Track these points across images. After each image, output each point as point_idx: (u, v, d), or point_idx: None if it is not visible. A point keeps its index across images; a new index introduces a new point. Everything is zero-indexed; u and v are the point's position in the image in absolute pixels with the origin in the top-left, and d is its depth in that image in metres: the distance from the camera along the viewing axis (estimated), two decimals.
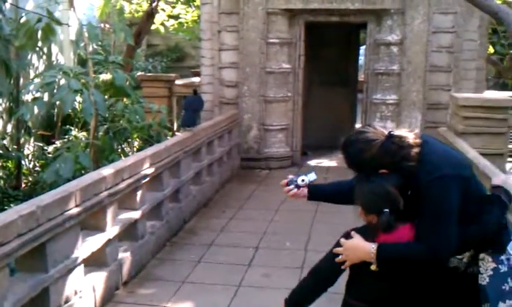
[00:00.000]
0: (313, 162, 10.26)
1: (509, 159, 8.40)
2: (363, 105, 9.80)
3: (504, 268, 2.49)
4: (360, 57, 12.96)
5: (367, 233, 2.48)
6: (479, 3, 6.85)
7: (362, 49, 12.23)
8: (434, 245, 2.33)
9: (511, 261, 2.50)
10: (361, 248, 2.43)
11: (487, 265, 2.48)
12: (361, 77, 12.54)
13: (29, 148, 10.24)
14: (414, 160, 2.39)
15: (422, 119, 9.05)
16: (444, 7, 8.87)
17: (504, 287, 2.48)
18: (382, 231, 2.41)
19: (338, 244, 2.54)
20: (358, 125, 11.59)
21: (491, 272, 2.46)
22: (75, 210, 3.88)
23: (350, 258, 2.46)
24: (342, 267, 2.49)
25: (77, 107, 10.25)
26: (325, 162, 10.35)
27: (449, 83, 9.01)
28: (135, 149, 8.70)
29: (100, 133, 8.42)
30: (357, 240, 2.46)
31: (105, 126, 8.59)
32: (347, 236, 2.55)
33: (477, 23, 8.90)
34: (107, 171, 4.59)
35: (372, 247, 2.39)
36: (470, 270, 2.52)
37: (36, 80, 8.68)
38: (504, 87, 14.06)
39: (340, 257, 2.47)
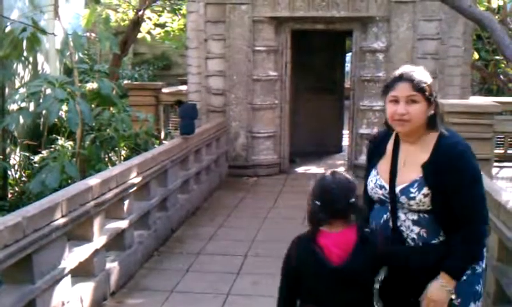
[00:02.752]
0: (301, 169, 10.27)
1: (495, 164, 8.48)
2: (350, 112, 9.84)
3: (479, 269, 2.51)
4: (346, 64, 13.03)
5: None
6: (463, 10, 6.91)
7: (348, 56, 12.30)
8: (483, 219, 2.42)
9: (483, 264, 2.54)
10: (439, 293, 2.38)
11: None
12: (347, 83, 12.60)
13: (15, 158, 10.16)
14: None
15: None
16: (429, 14, 8.94)
17: (477, 288, 2.51)
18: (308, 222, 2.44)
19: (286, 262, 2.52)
20: (345, 132, 11.65)
21: (468, 271, 2.45)
22: (61, 221, 3.85)
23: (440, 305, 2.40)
24: None
25: (63, 116, 10.19)
26: (313, 169, 10.38)
27: (435, 89, 9.05)
28: (122, 158, 8.65)
29: (87, 142, 8.37)
30: (430, 292, 2.40)
31: (92, 135, 8.55)
32: (297, 241, 2.52)
33: (461, 29, 8.97)
34: (93, 180, 4.56)
35: (441, 283, 2.37)
36: None
37: (22, 90, 8.61)
38: (488, 92, 14.19)
39: None
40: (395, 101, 2.45)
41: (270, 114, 9.74)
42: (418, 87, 2.41)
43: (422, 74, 2.47)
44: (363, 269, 2.36)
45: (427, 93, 2.43)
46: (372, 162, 2.66)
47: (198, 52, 9.75)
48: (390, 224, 2.49)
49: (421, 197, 2.40)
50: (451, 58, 9.06)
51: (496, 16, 11.50)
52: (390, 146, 2.59)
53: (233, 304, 4.67)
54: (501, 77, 12.50)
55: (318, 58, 11.61)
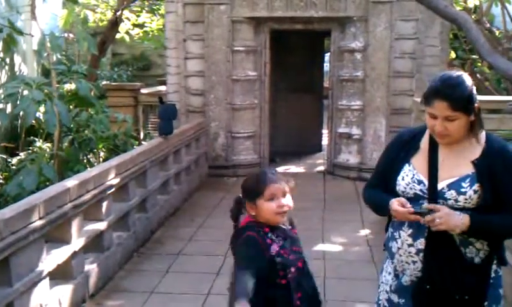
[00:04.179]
0: (281, 169, 10.30)
1: None
2: (329, 111, 9.91)
3: (500, 272, 2.50)
4: (324, 64, 13.10)
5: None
6: (439, 10, 7.00)
7: (327, 56, 12.37)
8: None
9: (499, 270, 2.51)
10: (455, 216, 2.32)
11: (493, 265, 2.45)
12: (326, 83, 12.67)
13: None
14: None
15: (386, 124, 9.18)
16: (406, 14, 9.03)
17: (500, 291, 2.49)
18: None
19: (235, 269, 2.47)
20: (324, 131, 11.72)
21: (493, 274, 2.44)
22: (39, 223, 3.83)
23: (446, 222, 2.31)
24: (434, 229, 2.34)
25: (41, 117, 10.09)
26: (293, 169, 10.43)
27: (412, 88, 9.16)
28: (101, 159, 8.60)
29: (65, 144, 8.30)
30: (449, 210, 2.34)
31: (70, 136, 8.48)
32: (236, 234, 2.53)
33: (438, 29, 9.08)
34: (71, 182, 4.53)
35: (461, 216, 2.31)
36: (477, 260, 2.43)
37: None
38: None
39: (437, 221, 2.31)
40: (434, 117, 2.37)
41: (249, 114, 9.76)
42: (456, 108, 2.32)
43: (460, 88, 2.34)
44: None
45: (466, 109, 2.34)
46: (400, 156, 2.57)
47: (176, 52, 9.73)
48: (422, 221, 2.41)
49: (471, 193, 2.36)
50: (428, 57, 9.15)
51: (473, 16, 11.65)
52: (425, 143, 2.53)
53: (213, 304, 4.68)
54: (477, 75, 12.63)
55: (297, 58, 11.67)
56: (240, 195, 2.57)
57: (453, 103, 2.31)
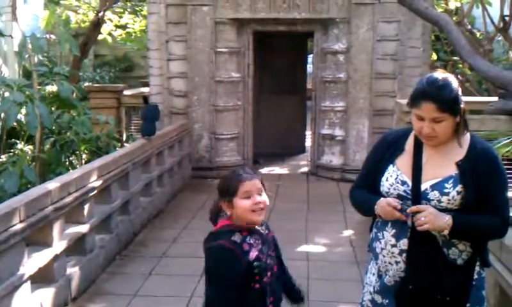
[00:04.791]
0: (265, 170, 10.31)
1: None
2: (312, 113, 9.93)
3: (484, 274, 2.51)
4: (308, 66, 13.14)
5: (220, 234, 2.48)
6: (420, 12, 7.06)
7: (310, 57, 12.40)
8: (507, 219, 2.40)
9: (483, 272, 2.53)
10: (440, 216, 2.33)
11: (476, 267, 2.47)
12: (309, 84, 12.71)
13: None
14: None
15: (369, 125, 9.23)
16: (388, 16, 9.08)
17: (483, 292, 2.51)
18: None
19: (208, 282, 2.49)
20: (308, 132, 11.74)
21: (476, 276, 2.45)
22: (19, 226, 3.78)
23: (432, 221, 2.32)
24: (419, 228, 2.35)
25: (23, 120, 9.99)
26: (276, 170, 10.44)
27: (394, 90, 9.22)
28: (83, 161, 8.53)
29: (47, 146, 8.23)
30: (434, 210, 2.36)
31: (52, 139, 8.40)
32: (209, 238, 2.52)
33: (420, 31, 9.15)
34: (52, 185, 4.49)
35: (446, 217, 2.33)
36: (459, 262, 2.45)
37: None
38: None
39: (422, 219, 2.32)
40: (421, 119, 2.39)
41: (233, 115, 9.75)
42: (444, 109, 2.34)
43: (447, 89, 2.36)
44: None
45: (453, 110, 2.36)
46: (385, 157, 2.58)
47: (159, 53, 9.69)
48: (409, 221, 2.42)
49: (454, 194, 2.37)
50: (410, 59, 9.22)
51: (454, 18, 11.77)
52: (410, 144, 2.55)
53: (196, 306, 4.66)
54: (459, 77, 12.76)
55: (280, 59, 11.69)
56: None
57: (440, 104, 2.32)
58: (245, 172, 2.47)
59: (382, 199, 2.48)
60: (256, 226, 2.49)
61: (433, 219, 2.32)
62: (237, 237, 2.41)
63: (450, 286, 2.39)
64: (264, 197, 2.45)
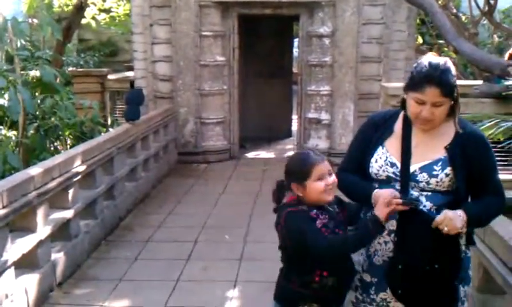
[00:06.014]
0: (251, 155, 10.30)
1: None
2: (299, 97, 9.92)
3: (469, 254, 2.55)
4: (294, 49, 13.10)
5: None
6: None
7: (296, 41, 12.36)
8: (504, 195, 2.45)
9: (468, 252, 2.56)
10: (456, 217, 2.32)
11: (462, 246, 2.49)
12: (295, 68, 12.69)
13: None
14: None
15: (354, 109, 9.24)
16: None
17: (469, 272, 2.54)
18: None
19: None
20: (294, 116, 11.74)
21: (463, 254, 2.48)
22: (2, 212, 3.74)
23: (452, 226, 2.31)
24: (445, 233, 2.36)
25: (5, 105, 9.87)
26: (263, 154, 10.44)
27: (380, 73, 9.22)
28: (68, 147, 8.46)
29: (31, 131, 8.14)
30: (449, 211, 2.35)
31: (36, 124, 8.31)
32: (280, 209, 2.56)
33: (405, 14, 9.14)
34: (35, 170, 4.44)
35: (460, 213, 2.33)
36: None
37: None
38: None
39: (445, 229, 2.31)
40: (421, 103, 2.37)
41: (219, 99, 9.70)
42: (446, 94, 2.34)
43: (449, 74, 2.36)
44: None
45: (452, 94, 2.38)
46: (373, 139, 2.57)
47: (143, 37, 9.60)
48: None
49: (443, 176, 2.39)
50: (395, 42, 9.22)
51: (439, 1, 11.77)
52: (398, 126, 2.55)
53: (182, 290, 4.66)
54: None
55: (266, 43, 11.64)
56: (283, 179, 2.61)
57: (444, 89, 2.33)
58: (316, 154, 2.54)
59: (380, 200, 2.39)
60: (325, 205, 2.54)
61: (453, 223, 2.32)
62: (305, 207, 2.50)
63: (438, 257, 2.39)
64: (333, 177, 2.51)
